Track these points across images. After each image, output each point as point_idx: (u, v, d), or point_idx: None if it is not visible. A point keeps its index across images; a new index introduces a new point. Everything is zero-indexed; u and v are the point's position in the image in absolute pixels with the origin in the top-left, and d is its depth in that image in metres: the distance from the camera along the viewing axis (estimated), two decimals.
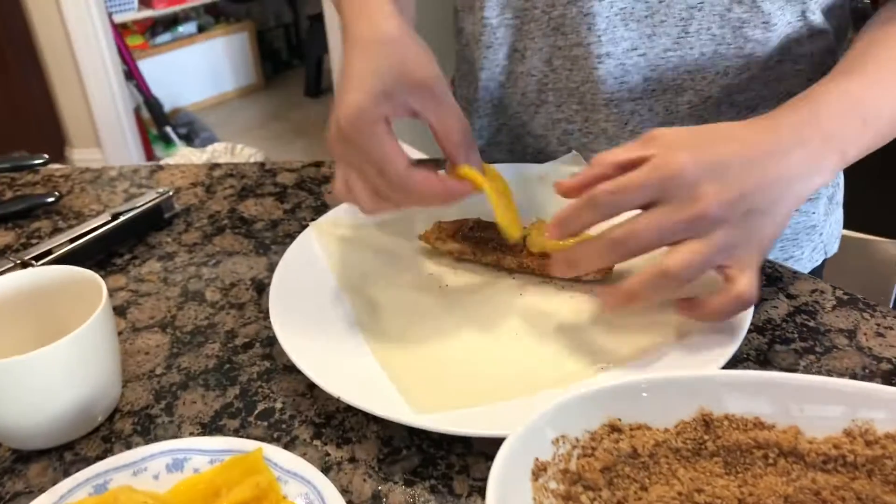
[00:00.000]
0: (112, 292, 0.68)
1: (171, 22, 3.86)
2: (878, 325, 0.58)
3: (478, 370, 0.55)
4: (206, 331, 0.63)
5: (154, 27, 3.80)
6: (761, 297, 0.61)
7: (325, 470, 0.50)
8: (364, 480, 0.49)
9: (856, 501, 0.42)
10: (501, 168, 0.76)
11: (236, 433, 0.53)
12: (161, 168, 0.90)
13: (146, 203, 0.76)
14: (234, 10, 4.12)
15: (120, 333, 0.63)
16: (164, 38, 3.81)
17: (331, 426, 0.53)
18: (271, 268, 0.71)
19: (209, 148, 2.81)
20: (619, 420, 0.45)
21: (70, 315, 0.56)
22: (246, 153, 2.76)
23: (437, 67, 0.56)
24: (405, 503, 0.48)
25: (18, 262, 0.67)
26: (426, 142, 0.63)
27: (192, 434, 0.54)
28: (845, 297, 0.61)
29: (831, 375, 0.54)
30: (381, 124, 0.53)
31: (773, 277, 0.64)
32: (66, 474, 0.51)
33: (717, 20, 0.67)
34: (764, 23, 0.66)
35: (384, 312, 0.61)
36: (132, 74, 3.36)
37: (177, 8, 3.78)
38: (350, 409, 0.54)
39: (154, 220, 0.77)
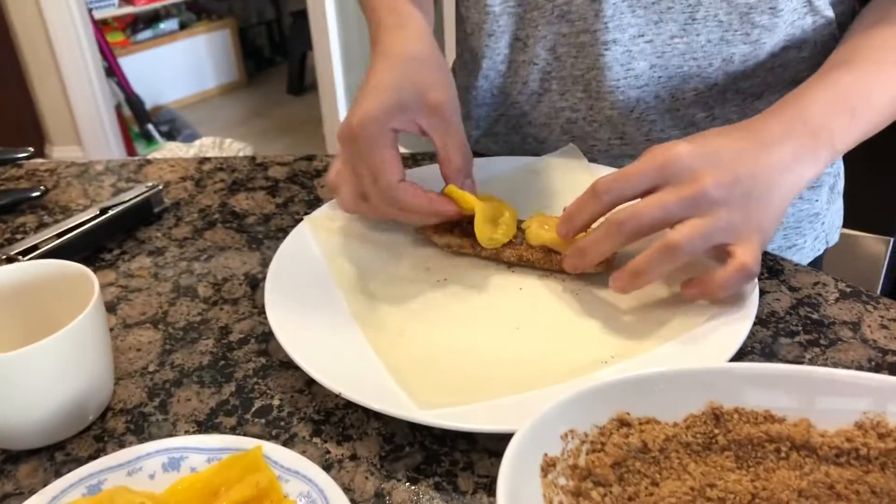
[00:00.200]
0: (101, 288, 0.66)
1: (152, 18, 3.82)
2: (882, 317, 0.58)
3: (480, 365, 0.54)
4: (199, 327, 0.62)
5: (135, 24, 3.76)
6: (763, 290, 0.61)
7: (326, 468, 0.48)
8: (366, 478, 0.48)
9: (870, 495, 0.41)
10: (497, 161, 0.76)
11: (233, 431, 0.52)
12: (149, 162, 0.89)
13: (135, 197, 0.75)
14: (215, 7, 4.08)
15: (110, 330, 0.61)
16: (146, 34, 3.77)
17: (330, 423, 0.52)
18: (265, 263, 0.69)
19: (197, 142, 2.78)
20: (628, 414, 0.44)
21: (59, 311, 0.54)
22: (235, 148, 2.72)
23: (454, 92, 0.60)
24: (409, 501, 0.46)
25: (4, 257, 0.66)
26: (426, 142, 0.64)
27: (187, 432, 0.52)
28: (848, 290, 0.61)
29: (837, 368, 0.53)
30: (388, 135, 0.57)
31: (775, 270, 0.64)
32: (58, 475, 0.49)
33: (724, 6, 0.66)
34: (771, 8, 0.66)
35: (383, 307, 0.60)
36: (113, 71, 3.32)
37: (158, 4, 3.74)
38: (349, 406, 0.53)
39: (143, 215, 0.76)
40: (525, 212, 0.66)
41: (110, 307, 0.64)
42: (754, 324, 0.53)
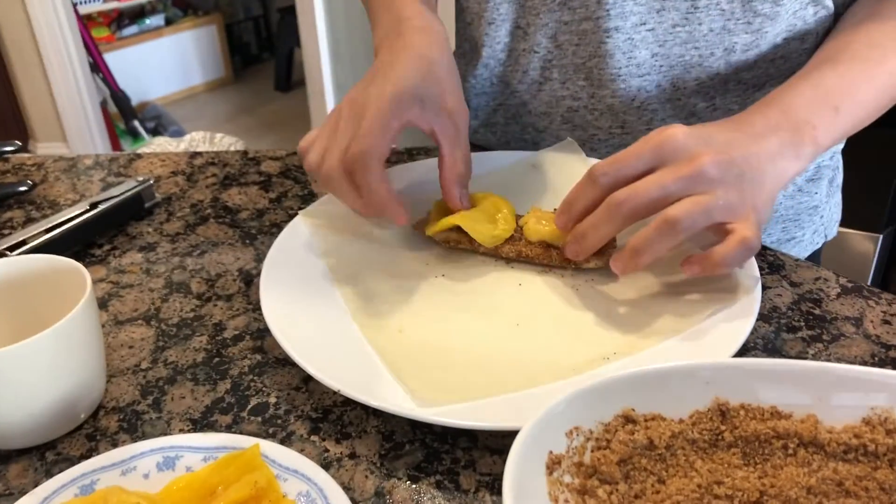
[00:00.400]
0: (92, 284, 0.65)
1: (137, 14, 3.79)
2: (885, 312, 0.58)
3: (480, 362, 0.53)
4: (192, 323, 0.61)
5: (120, 19, 3.73)
6: (764, 286, 0.60)
7: (325, 467, 0.47)
8: (366, 477, 0.47)
9: (879, 491, 0.41)
10: (495, 155, 0.75)
11: (229, 429, 0.51)
12: (139, 157, 0.87)
13: (126, 192, 0.73)
14: (202, 3, 4.05)
15: (102, 326, 0.60)
16: (131, 30, 3.74)
17: (328, 421, 0.51)
18: (258, 258, 0.68)
19: (187, 137, 2.75)
20: (634, 410, 0.43)
21: (49, 307, 0.53)
22: (226, 142, 2.69)
23: (466, 106, 0.62)
24: (410, 499, 0.46)
25: None
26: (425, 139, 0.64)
27: (182, 431, 0.51)
28: (849, 285, 0.61)
29: (841, 363, 0.53)
30: (400, 118, 0.56)
31: (776, 265, 0.63)
32: (49, 475, 0.48)
33: None
34: None
35: (380, 303, 0.59)
36: (98, 67, 3.29)
37: (143, 0, 3.71)
38: (348, 403, 0.52)
39: (134, 210, 0.74)
40: (523, 206, 0.65)
41: (101, 303, 0.63)
42: (756, 319, 0.53)
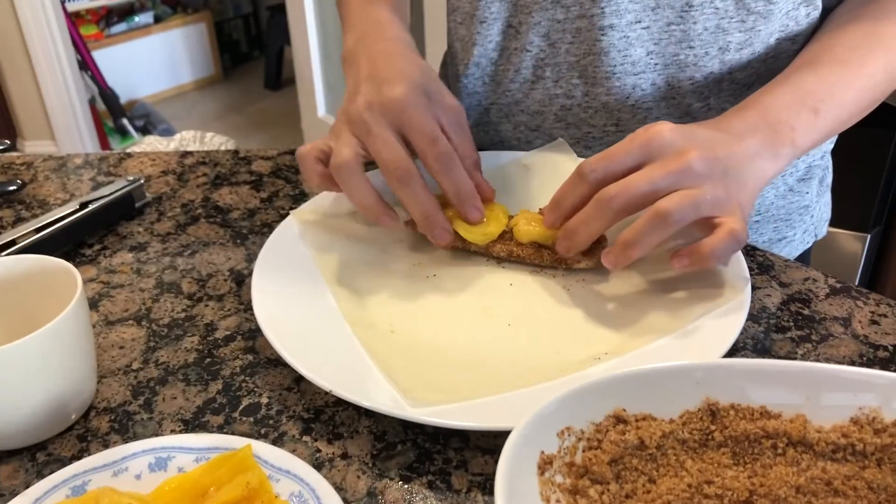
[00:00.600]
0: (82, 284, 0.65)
1: (126, 11, 3.77)
2: (872, 312, 0.58)
3: (471, 362, 0.54)
4: (184, 323, 0.60)
5: (109, 16, 3.70)
6: (754, 286, 0.61)
7: (317, 467, 0.48)
8: (358, 477, 0.47)
9: (867, 490, 0.41)
10: (487, 155, 0.75)
11: (221, 430, 0.51)
12: (129, 156, 0.87)
13: (116, 191, 0.73)
14: (191, 0, 4.03)
15: (92, 327, 0.60)
16: (120, 27, 3.71)
17: (320, 421, 0.51)
18: (250, 258, 0.68)
19: (177, 136, 2.73)
20: (625, 411, 0.44)
21: (39, 307, 0.53)
22: (216, 141, 2.68)
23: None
24: (402, 500, 0.46)
25: None
26: None
27: (173, 431, 0.51)
28: (838, 286, 0.61)
29: (830, 363, 0.53)
30: (427, 102, 0.59)
31: (765, 265, 0.64)
32: (40, 476, 0.48)
33: None
34: None
35: (372, 303, 0.59)
36: (86, 65, 3.27)
37: None
38: (340, 404, 0.52)
39: (124, 210, 0.74)
40: (514, 206, 0.65)
41: (92, 303, 0.63)
42: (746, 320, 0.53)
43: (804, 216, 0.81)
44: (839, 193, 0.91)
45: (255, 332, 0.59)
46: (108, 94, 3.33)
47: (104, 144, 3.35)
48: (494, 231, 0.62)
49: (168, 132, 3.38)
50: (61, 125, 3.15)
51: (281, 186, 0.79)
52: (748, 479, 0.42)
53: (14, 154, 0.87)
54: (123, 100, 3.51)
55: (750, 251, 0.65)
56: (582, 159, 0.71)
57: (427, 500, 0.46)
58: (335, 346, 0.54)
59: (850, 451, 0.42)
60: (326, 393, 0.50)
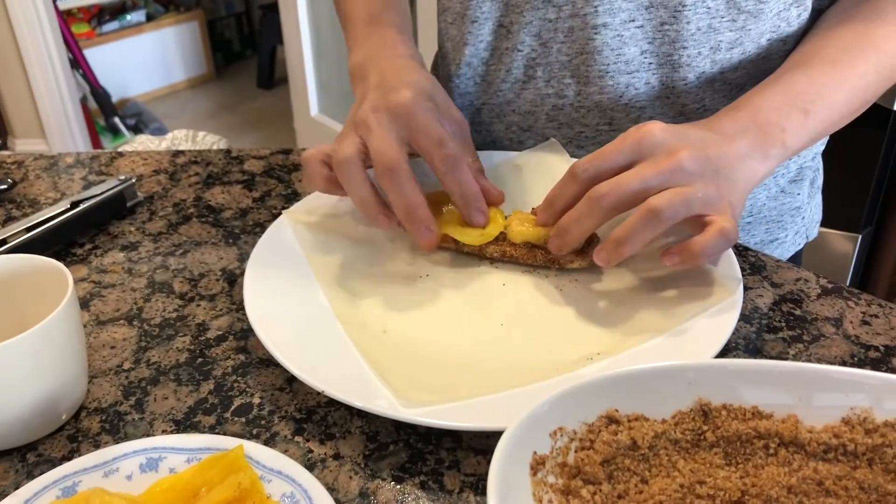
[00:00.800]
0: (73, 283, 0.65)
1: (118, 9, 3.75)
2: (864, 312, 0.58)
3: (464, 362, 0.54)
4: (175, 323, 0.60)
5: (100, 15, 3.69)
6: (746, 287, 0.61)
7: (309, 467, 0.47)
8: (350, 478, 0.47)
9: (858, 491, 0.41)
10: (480, 155, 0.75)
11: (212, 430, 0.51)
12: (121, 155, 0.87)
13: (107, 190, 0.73)
14: None
15: (83, 326, 0.60)
16: (112, 26, 3.70)
17: (312, 422, 0.51)
18: (242, 258, 0.68)
19: (169, 135, 2.71)
20: (617, 411, 0.44)
21: (29, 307, 0.53)
22: (208, 140, 2.66)
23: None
24: (394, 500, 0.46)
25: None
26: None
27: (164, 432, 0.51)
28: (829, 286, 0.61)
29: (821, 364, 0.53)
30: (434, 108, 0.60)
31: (757, 266, 0.64)
32: (30, 476, 0.47)
33: None
34: None
35: (365, 303, 0.59)
36: (78, 63, 3.25)
37: None
38: (332, 404, 0.52)
39: (116, 209, 0.74)
40: (506, 207, 0.65)
41: (83, 303, 0.63)
42: (738, 320, 0.53)
43: (795, 218, 0.81)
44: (830, 194, 0.91)
45: (247, 332, 0.59)
46: (99, 93, 3.32)
47: (96, 143, 3.34)
48: (493, 233, 0.61)
49: (160, 131, 3.37)
50: (52, 124, 3.13)
51: (273, 186, 0.79)
52: (740, 480, 0.42)
53: (5, 153, 0.87)
54: (115, 98, 3.49)
55: (742, 252, 0.65)
56: (574, 159, 0.71)
57: (419, 501, 0.45)
58: (327, 346, 0.54)
59: (842, 452, 0.42)
60: (318, 393, 0.50)
